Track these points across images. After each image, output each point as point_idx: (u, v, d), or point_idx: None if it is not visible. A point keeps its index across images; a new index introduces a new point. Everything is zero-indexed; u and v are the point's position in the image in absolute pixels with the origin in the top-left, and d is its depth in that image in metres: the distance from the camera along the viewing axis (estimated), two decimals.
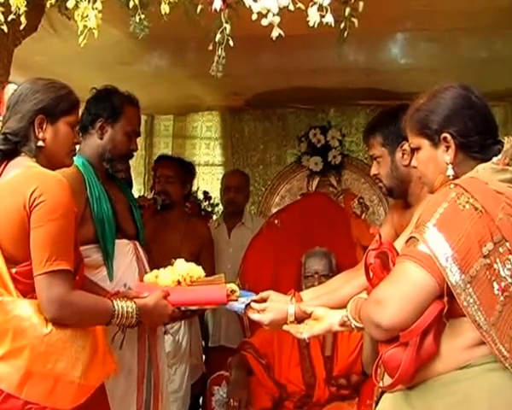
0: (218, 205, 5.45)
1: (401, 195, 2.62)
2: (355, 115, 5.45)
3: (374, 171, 2.66)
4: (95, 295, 2.29)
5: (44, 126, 2.21)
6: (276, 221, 4.47)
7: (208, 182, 5.87)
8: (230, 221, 4.79)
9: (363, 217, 4.64)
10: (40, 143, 2.20)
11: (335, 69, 4.33)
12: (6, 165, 2.19)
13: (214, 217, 5.34)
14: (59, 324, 2.08)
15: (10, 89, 2.80)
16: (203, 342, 4.53)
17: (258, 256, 4.29)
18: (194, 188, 5.39)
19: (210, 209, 5.51)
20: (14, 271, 2.08)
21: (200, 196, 5.54)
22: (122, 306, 2.26)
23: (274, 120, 5.68)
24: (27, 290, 2.08)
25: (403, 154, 2.54)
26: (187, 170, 4.42)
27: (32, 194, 2.04)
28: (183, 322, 4.03)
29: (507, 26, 3.40)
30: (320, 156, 5.29)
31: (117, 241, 2.70)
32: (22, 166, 2.16)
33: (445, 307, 1.73)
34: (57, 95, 2.25)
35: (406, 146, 2.49)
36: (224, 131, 5.88)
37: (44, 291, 2.05)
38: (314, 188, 5.34)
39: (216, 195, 5.39)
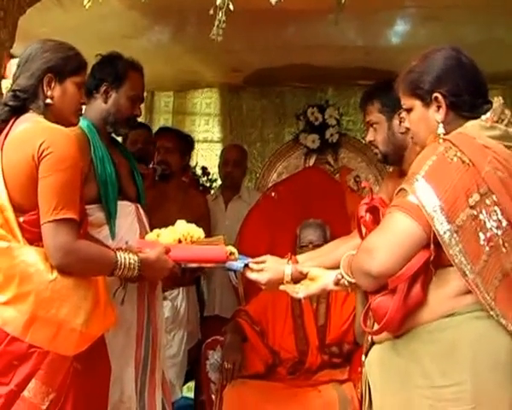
0: (216, 180, 5.49)
1: (396, 161, 2.68)
2: (353, 95, 5.46)
3: (369, 137, 2.72)
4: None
5: (53, 85, 2.29)
6: (272, 193, 4.53)
7: (207, 158, 5.93)
8: (228, 194, 4.83)
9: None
10: (48, 101, 2.28)
11: (334, 48, 4.39)
12: (15, 120, 2.26)
13: (212, 192, 5.38)
14: (64, 271, 2.15)
15: (13, 64, 2.86)
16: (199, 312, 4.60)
17: (255, 227, 4.34)
18: (193, 164, 5.48)
19: (208, 185, 5.55)
20: (21, 219, 2.15)
21: (199, 171, 5.59)
22: (125, 257, 2.33)
23: (272, 98, 5.71)
24: (34, 239, 2.16)
25: (400, 121, 2.56)
26: (186, 141, 4.50)
27: (40, 145, 2.12)
28: (181, 289, 4.13)
29: (507, 7, 3.44)
30: (317, 134, 5.30)
31: (119, 202, 2.75)
32: (31, 121, 2.23)
33: (431, 255, 1.79)
34: (66, 55, 2.33)
35: (404, 114, 2.55)
36: (222, 109, 5.93)
37: (50, 238, 2.12)
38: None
39: (214, 171, 5.43)
